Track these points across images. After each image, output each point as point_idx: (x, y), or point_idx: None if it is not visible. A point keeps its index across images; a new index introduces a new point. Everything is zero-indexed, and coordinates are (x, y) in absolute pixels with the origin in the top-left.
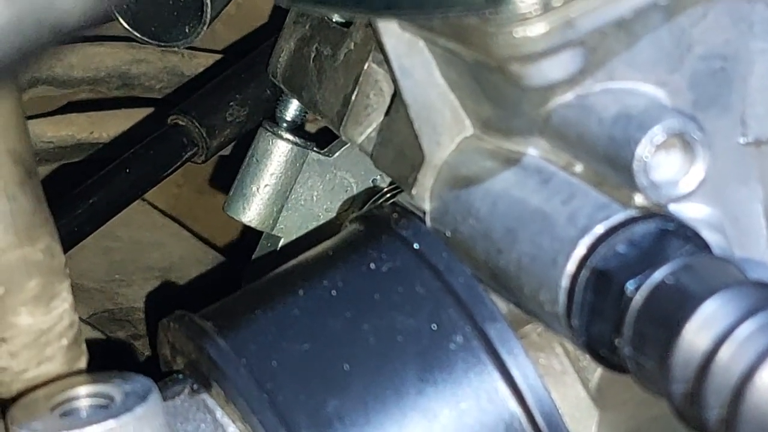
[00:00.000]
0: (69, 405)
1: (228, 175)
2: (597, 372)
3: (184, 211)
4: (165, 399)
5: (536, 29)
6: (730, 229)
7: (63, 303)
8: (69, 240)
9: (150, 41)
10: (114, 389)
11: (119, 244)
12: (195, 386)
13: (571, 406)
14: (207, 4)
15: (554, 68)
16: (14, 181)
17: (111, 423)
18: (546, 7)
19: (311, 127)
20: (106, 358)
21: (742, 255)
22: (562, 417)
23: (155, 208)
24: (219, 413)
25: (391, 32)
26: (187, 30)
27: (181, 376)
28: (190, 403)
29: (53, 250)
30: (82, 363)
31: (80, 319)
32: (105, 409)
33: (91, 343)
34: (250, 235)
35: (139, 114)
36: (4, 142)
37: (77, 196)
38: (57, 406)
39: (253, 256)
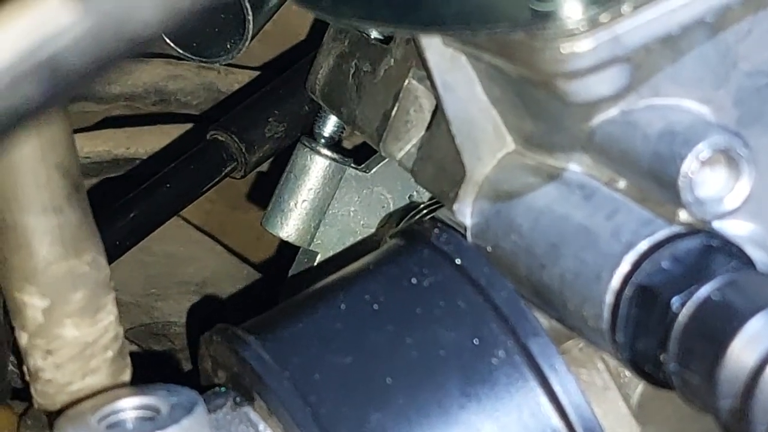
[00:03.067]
0: (115, 417)
1: (260, 190)
2: (638, 388)
3: (216, 226)
4: (208, 412)
5: (583, 45)
6: None
7: (108, 315)
8: (110, 254)
9: (192, 57)
10: (160, 401)
11: (154, 258)
12: (238, 399)
13: (612, 422)
14: (249, 20)
15: (600, 84)
16: (61, 194)
17: None
18: (593, 24)
19: (348, 144)
20: (148, 370)
21: None
22: None
23: (189, 222)
24: (262, 426)
25: (434, 48)
26: (228, 46)
27: (223, 389)
28: (233, 416)
29: (99, 262)
30: (127, 375)
31: None
32: (151, 421)
33: (134, 356)
34: (282, 250)
35: (175, 130)
36: (53, 155)
37: (118, 211)
38: (103, 418)
39: (290, 272)
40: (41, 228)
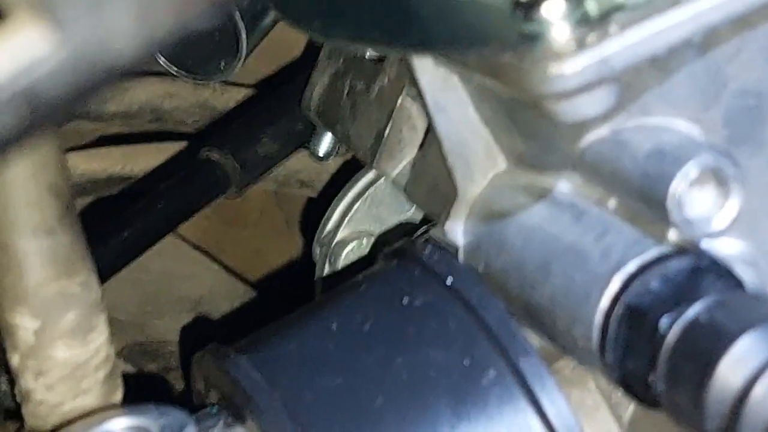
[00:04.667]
0: None
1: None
2: (630, 408)
3: (212, 243)
4: None
5: (571, 66)
6: (765, 264)
7: (100, 336)
8: (102, 273)
9: (186, 75)
10: (150, 422)
11: (150, 277)
12: (229, 419)
13: None
14: (243, 39)
15: (588, 104)
16: (52, 215)
17: None
18: (581, 44)
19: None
20: (140, 391)
21: None
22: None
23: (184, 240)
24: None
25: (426, 68)
26: (222, 65)
27: (215, 409)
28: None
29: (90, 283)
30: (118, 396)
31: None
32: None
33: (126, 377)
34: (279, 268)
35: (171, 148)
36: (44, 176)
37: (111, 230)
38: None
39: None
40: (32, 249)
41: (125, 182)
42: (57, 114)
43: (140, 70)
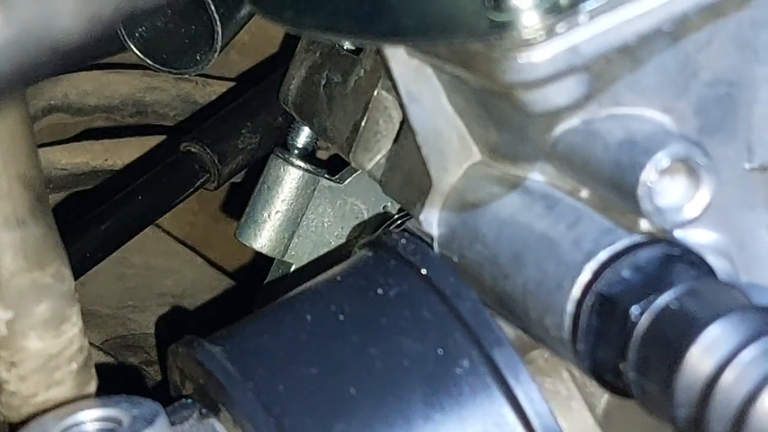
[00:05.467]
0: (77, 429)
1: (242, 202)
2: (604, 397)
3: (199, 237)
4: (174, 423)
5: (540, 55)
6: (737, 254)
7: (73, 327)
8: (82, 266)
9: (162, 68)
10: (122, 413)
11: (133, 270)
12: (204, 411)
13: None
14: (218, 31)
15: (559, 94)
16: (24, 206)
17: None
18: (550, 34)
19: (322, 154)
20: (116, 382)
21: (749, 280)
22: None
23: (169, 234)
24: None
25: (399, 59)
26: (198, 58)
27: (190, 400)
28: (198, 427)
29: (63, 274)
30: (92, 387)
31: (93, 345)
32: None
33: (101, 368)
34: (263, 261)
35: (153, 141)
36: (15, 167)
37: (89, 222)
38: (65, 430)
39: (265, 283)
40: (4, 240)
41: (107, 175)
42: (3, 92)
43: (97, 52)
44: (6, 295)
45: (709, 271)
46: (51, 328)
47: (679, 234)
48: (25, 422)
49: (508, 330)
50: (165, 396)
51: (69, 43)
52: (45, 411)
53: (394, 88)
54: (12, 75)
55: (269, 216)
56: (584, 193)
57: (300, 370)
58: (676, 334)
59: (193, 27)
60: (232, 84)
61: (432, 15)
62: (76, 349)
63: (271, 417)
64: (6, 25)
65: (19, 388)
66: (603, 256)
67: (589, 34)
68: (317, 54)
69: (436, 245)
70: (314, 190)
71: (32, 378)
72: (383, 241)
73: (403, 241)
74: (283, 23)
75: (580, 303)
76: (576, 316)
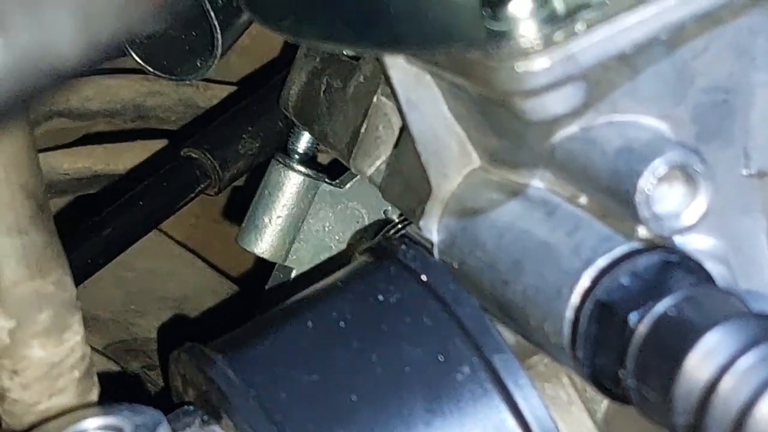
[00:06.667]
0: None
1: (244, 206)
2: (604, 403)
3: (200, 242)
4: (176, 430)
5: (538, 64)
6: (734, 260)
7: (75, 335)
8: (83, 271)
9: (162, 75)
10: (123, 421)
11: (134, 275)
12: (205, 417)
13: None
14: (218, 38)
15: (557, 102)
16: (26, 215)
17: None
18: (548, 42)
19: (323, 159)
20: (118, 390)
21: (747, 286)
22: None
23: (171, 238)
24: None
25: (398, 66)
26: (198, 64)
27: (192, 407)
28: None
29: (65, 283)
30: (94, 395)
31: (95, 350)
32: None
33: (103, 376)
34: (265, 265)
35: (155, 146)
36: (17, 176)
37: (91, 228)
38: None
39: (266, 287)
40: (6, 249)
41: (109, 180)
42: (4, 116)
43: (94, 71)
44: (8, 303)
45: (708, 278)
46: (53, 337)
47: (677, 240)
48: (27, 431)
49: (508, 336)
50: (167, 402)
51: (67, 67)
52: (47, 419)
53: (393, 95)
54: (10, 100)
55: (270, 221)
56: (583, 199)
57: (301, 377)
58: (674, 341)
59: (194, 34)
60: (233, 88)
61: (430, 24)
62: (78, 357)
63: (272, 424)
64: (4, 50)
65: (21, 396)
66: (602, 263)
67: (586, 42)
68: (317, 59)
69: (436, 251)
70: (315, 194)
71: (35, 386)
72: (383, 247)
73: (403, 247)
74: (282, 32)
75: (579, 310)
76: (575, 323)
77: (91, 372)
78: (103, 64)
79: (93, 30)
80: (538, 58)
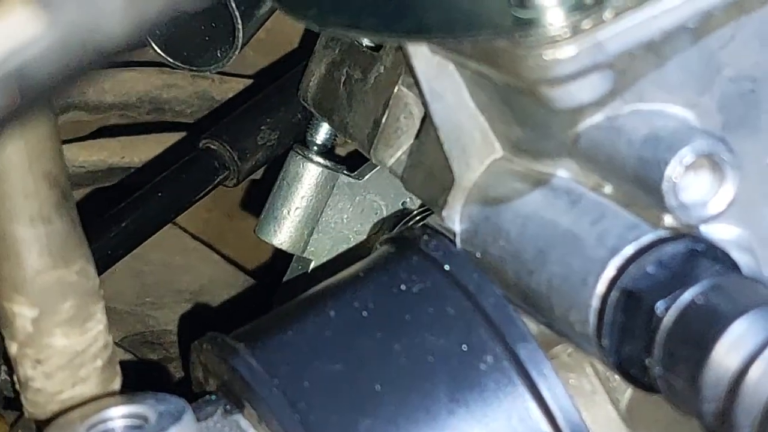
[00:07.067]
0: (103, 426)
1: (257, 199)
2: (627, 392)
3: (214, 235)
4: (198, 420)
5: (566, 52)
6: (760, 249)
7: (97, 324)
8: (101, 263)
9: (182, 66)
10: (148, 410)
11: (150, 267)
12: (228, 407)
13: (601, 427)
14: (239, 29)
15: (583, 90)
16: (50, 203)
17: None
18: (575, 30)
19: (341, 151)
20: (139, 379)
21: None
22: None
23: (186, 231)
24: None
25: (421, 55)
26: (218, 54)
27: (214, 397)
28: (223, 423)
29: (87, 272)
30: (116, 384)
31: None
32: (139, 430)
33: (124, 365)
34: (279, 258)
35: (170, 138)
36: (40, 165)
37: (110, 220)
38: (92, 427)
39: (284, 279)
40: (29, 238)
41: (125, 173)
42: (47, 95)
43: (133, 52)
44: (31, 292)
45: (734, 267)
46: (76, 326)
47: (703, 229)
48: (50, 419)
49: (532, 326)
50: (186, 392)
51: (113, 45)
52: (70, 408)
53: (416, 85)
54: (56, 77)
55: (289, 212)
56: (608, 188)
57: (324, 366)
58: (702, 329)
59: (214, 25)
60: (249, 81)
61: (457, 12)
62: (101, 346)
63: (296, 413)
64: (52, 27)
65: (44, 385)
66: (628, 251)
67: (614, 30)
68: (337, 50)
69: (458, 241)
70: (333, 186)
71: (58, 375)
72: (405, 237)
73: (426, 237)
74: (307, 21)
75: (605, 298)
76: (601, 312)
77: (113, 361)
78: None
79: (140, 7)
80: (566, 46)
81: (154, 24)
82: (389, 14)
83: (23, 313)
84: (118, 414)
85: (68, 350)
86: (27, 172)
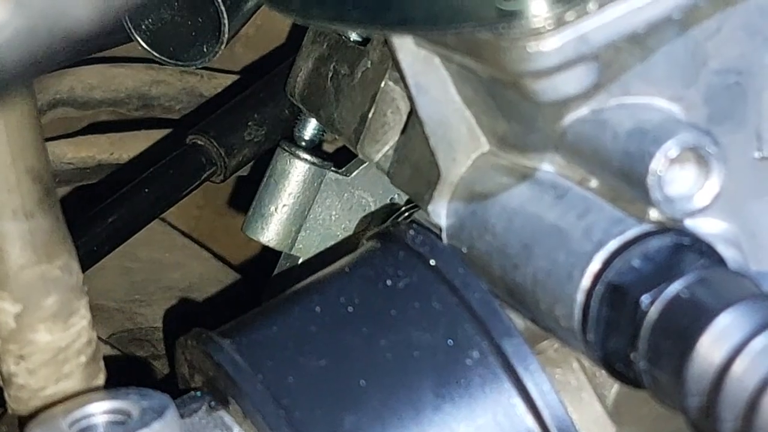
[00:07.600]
0: (86, 421)
1: (248, 196)
2: (614, 388)
3: (204, 232)
4: (183, 416)
5: (549, 44)
6: (746, 243)
7: (81, 320)
8: (88, 259)
9: (168, 61)
10: (131, 405)
11: (139, 265)
12: (213, 403)
13: (587, 422)
14: (224, 23)
15: (568, 83)
16: (32, 199)
17: None
18: (559, 22)
19: (329, 147)
20: (124, 376)
21: (759, 269)
22: None
23: (175, 228)
24: (236, 430)
25: (407, 49)
26: (204, 50)
27: (199, 393)
28: (207, 420)
29: (71, 267)
30: (100, 380)
31: (100, 339)
32: (122, 425)
33: (109, 361)
34: (269, 255)
35: (159, 135)
36: (23, 160)
37: (96, 216)
38: (74, 422)
39: (272, 276)
40: (12, 233)
41: (113, 169)
42: (16, 81)
43: (104, 41)
44: (14, 288)
45: (720, 260)
46: (59, 321)
47: (689, 223)
48: (34, 415)
49: (518, 321)
50: (173, 389)
51: (81, 32)
52: (54, 404)
53: (401, 79)
54: (23, 64)
55: (276, 209)
56: (593, 182)
57: (309, 362)
58: (686, 323)
59: (200, 19)
60: (237, 77)
61: (440, 4)
62: (84, 342)
63: (280, 409)
64: (19, 13)
65: (27, 381)
66: (613, 245)
67: (598, 22)
68: (324, 46)
69: (444, 236)
70: (321, 183)
71: (41, 371)
72: (391, 232)
73: (412, 232)
74: (291, 14)
75: (590, 293)
76: (586, 306)
77: (97, 357)
78: (113, 39)
79: None
80: (549, 38)
81: (124, 9)
82: (373, 6)
83: (6, 309)
84: (101, 409)
85: (51, 346)
86: (9, 167)
